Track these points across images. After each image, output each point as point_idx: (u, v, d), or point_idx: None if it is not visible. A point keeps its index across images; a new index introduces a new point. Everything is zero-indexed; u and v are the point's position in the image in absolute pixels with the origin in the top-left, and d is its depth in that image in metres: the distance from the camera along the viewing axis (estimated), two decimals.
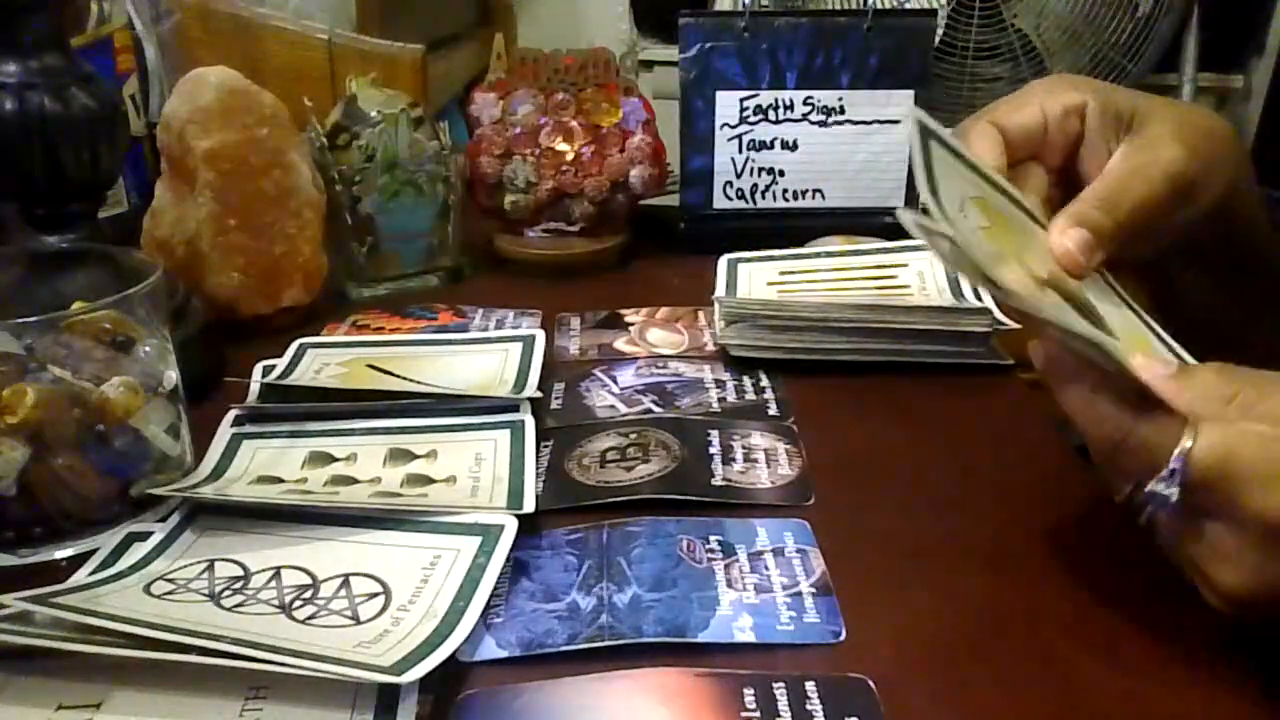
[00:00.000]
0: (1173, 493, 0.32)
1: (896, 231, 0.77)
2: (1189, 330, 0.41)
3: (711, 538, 0.43)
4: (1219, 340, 0.39)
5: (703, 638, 0.37)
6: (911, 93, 0.79)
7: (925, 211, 0.35)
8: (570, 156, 0.76)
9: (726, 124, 0.80)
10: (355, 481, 0.47)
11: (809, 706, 0.34)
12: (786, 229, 0.77)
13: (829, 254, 0.69)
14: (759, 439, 0.51)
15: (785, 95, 0.79)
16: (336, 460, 0.49)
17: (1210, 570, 0.33)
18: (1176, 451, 0.32)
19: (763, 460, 0.49)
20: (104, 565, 0.41)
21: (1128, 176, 0.40)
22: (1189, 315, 0.45)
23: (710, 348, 0.63)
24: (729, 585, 0.40)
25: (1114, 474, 0.36)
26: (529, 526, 0.43)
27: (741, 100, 0.79)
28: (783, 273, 0.67)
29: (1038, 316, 0.34)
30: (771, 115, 0.80)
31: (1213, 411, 0.33)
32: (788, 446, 0.51)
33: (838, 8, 1.65)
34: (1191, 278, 0.47)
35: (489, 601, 0.38)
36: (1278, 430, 0.32)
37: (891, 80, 0.79)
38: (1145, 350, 0.38)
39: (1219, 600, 0.34)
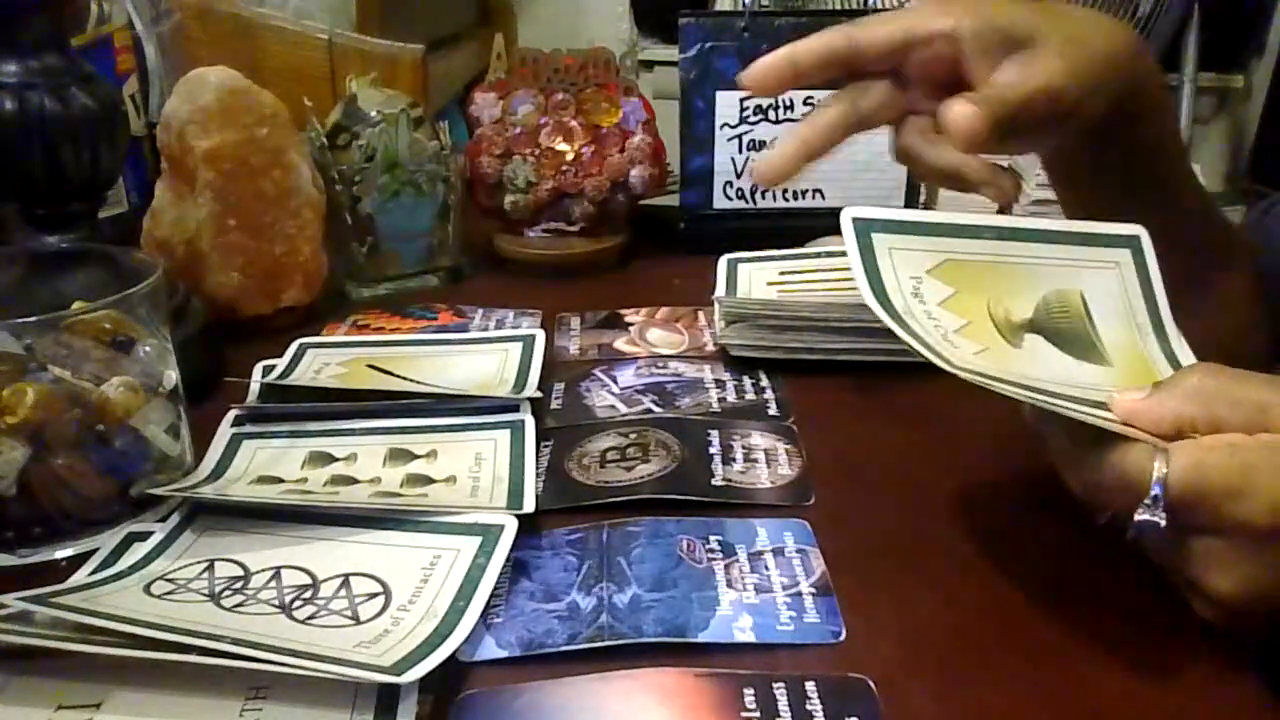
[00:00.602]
0: (1160, 518, 0.33)
1: None
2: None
3: (711, 538, 0.43)
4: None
5: (703, 638, 0.37)
6: None
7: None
8: (570, 156, 0.76)
9: (726, 124, 0.80)
10: (355, 481, 0.47)
11: (809, 706, 0.34)
12: (786, 229, 0.77)
13: (829, 254, 0.69)
14: (759, 439, 0.51)
15: (785, 95, 0.79)
16: (336, 460, 0.49)
17: (1206, 580, 0.34)
18: (1154, 478, 0.33)
19: (763, 460, 0.49)
20: (104, 565, 0.41)
21: (1003, 86, 0.42)
22: (1100, 208, 0.46)
23: (710, 348, 0.63)
24: (729, 585, 0.40)
25: (1096, 507, 0.38)
26: (529, 526, 0.43)
27: (741, 100, 0.79)
28: (783, 273, 0.67)
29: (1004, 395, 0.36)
30: (771, 115, 0.80)
31: (1206, 409, 0.34)
32: (788, 446, 0.51)
33: (838, 8, 1.65)
34: (1101, 175, 0.49)
35: (489, 601, 0.38)
36: (1247, 437, 0.33)
37: None
38: (1136, 361, 0.39)
39: (1215, 611, 0.35)
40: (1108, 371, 0.40)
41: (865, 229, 0.40)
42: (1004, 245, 0.42)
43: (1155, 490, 0.33)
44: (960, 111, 0.40)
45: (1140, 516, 0.33)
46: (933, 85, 0.44)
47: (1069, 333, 0.41)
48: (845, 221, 0.40)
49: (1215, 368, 0.36)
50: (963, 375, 0.36)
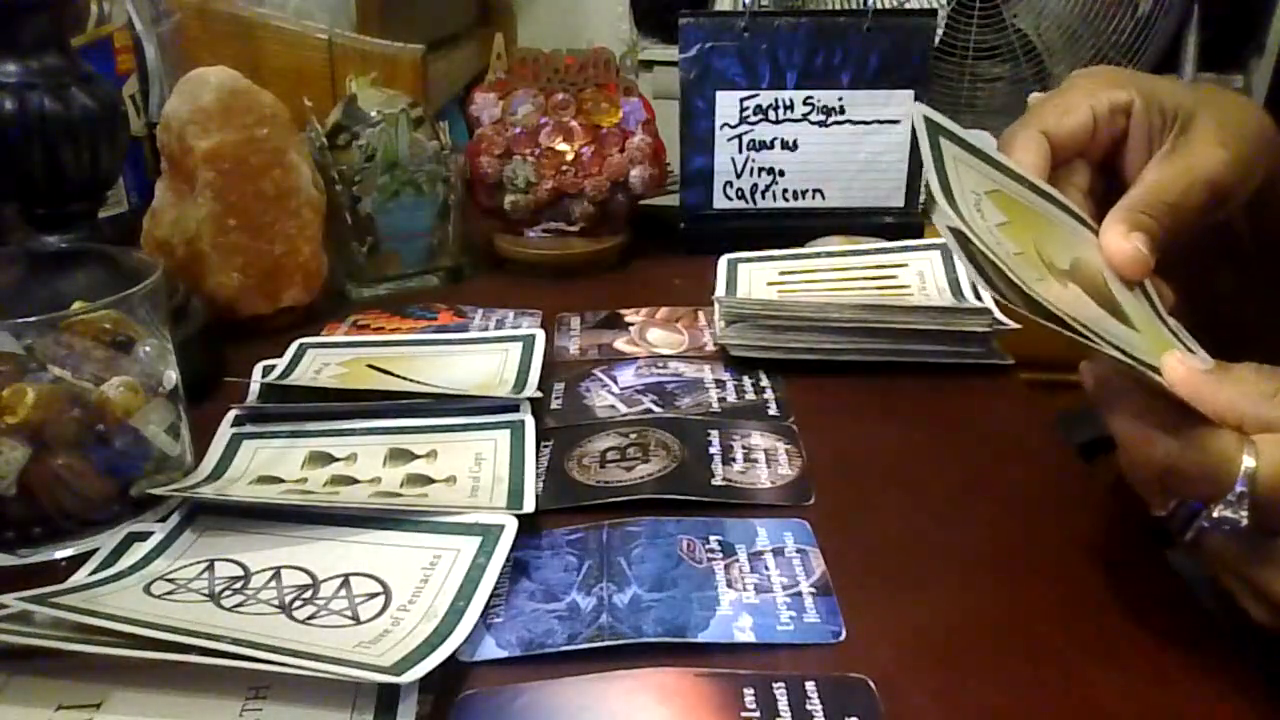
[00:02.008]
0: (1242, 516, 0.31)
1: (897, 231, 0.78)
2: (1218, 329, 0.40)
3: (711, 538, 0.43)
4: (1246, 339, 0.38)
5: (703, 638, 0.37)
6: (911, 92, 0.79)
7: (926, 211, 0.34)
8: (570, 156, 0.76)
9: (726, 124, 0.80)
10: (355, 481, 0.47)
11: (809, 706, 0.34)
12: (786, 229, 0.77)
13: (829, 254, 0.69)
14: (759, 439, 0.51)
15: (785, 95, 0.79)
16: (336, 460, 0.49)
17: (1277, 586, 0.32)
18: (1240, 474, 0.31)
19: (763, 460, 0.49)
20: (104, 565, 0.41)
21: (1170, 180, 0.39)
22: (1218, 313, 0.44)
23: (710, 348, 0.63)
24: (729, 585, 0.40)
25: (1154, 492, 0.35)
26: (529, 526, 0.43)
27: (741, 100, 0.79)
28: (783, 273, 0.67)
29: (1069, 332, 0.33)
30: (771, 115, 0.80)
31: (1256, 409, 0.32)
32: (788, 446, 0.51)
33: (838, 8, 1.65)
34: (1220, 274, 0.46)
35: (489, 601, 0.38)
36: None
37: (891, 80, 0.79)
38: (1158, 335, 0.37)
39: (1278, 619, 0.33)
40: (1140, 337, 0.37)
41: (935, 132, 0.38)
42: (1041, 202, 0.41)
43: (1241, 486, 0.31)
44: (1120, 251, 0.38)
45: (1220, 512, 0.31)
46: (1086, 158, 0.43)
47: (1103, 292, 0.39)
48: (918, 118, 0.38)
49: (1268, 369, 0.34)
50: (1040, 299, 0.33)
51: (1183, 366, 0.33)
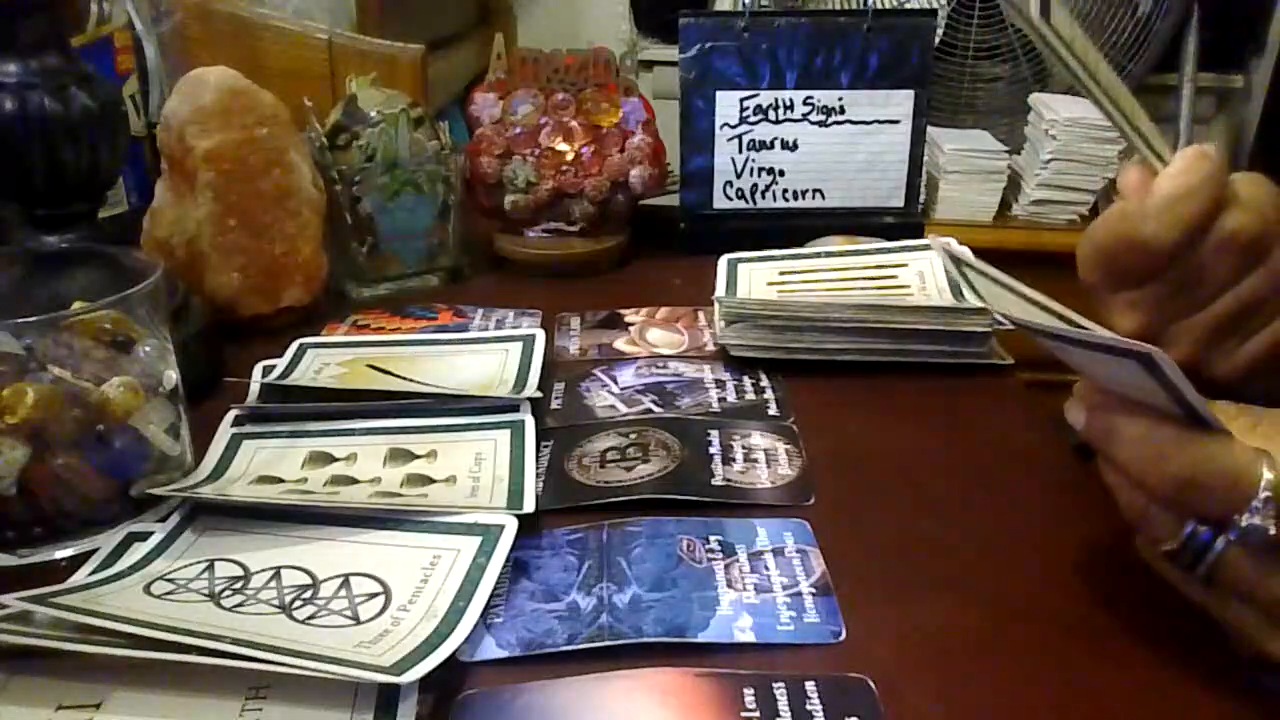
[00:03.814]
0: (1270, 523, 0.30)
1: (897, 231, 0.78)
2: None
3: (711, 538, 0.43)
4: None
5: (703, 638, 0.37)
6: (911, 93, 0.79)
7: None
8: (570, 156, 0.76)
9: (726, 124, 0.80)
10: (355, 481, 0.47)
11: (809, 706, 0.34)
12: (786, 229, 0.77)
13: (829, 254, 0.69)
14: (759, 439, 0.51)
15: (785, 95, 0.79)
16: (336, 460, 0.49)
17: None
18: (1262, 482, 0.30)
19: (763, 460, 0.49)
20: (104, 565, 0.41)
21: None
22: None
23: (710, 348, 0.63)
24: (729, 585, 0.40)
25: (1162, 524, 0.34)
26: (529, 526, 0.43)
27: (741, 100, 0.79)
28: (783, 273, 0.67)
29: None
30: (771, 115, 0.80)
31: (1242, 440, 0.31)
32: (788, 446, 0.51)
33: (838, 8, 1.65)
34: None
35: (489, 601, 0.38)
36: None
37: (891, 80, 0.79)
38: None
39: None
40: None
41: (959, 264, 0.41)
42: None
43: (1265, 492, 0.30)
44: None
45: (1249, 520, 0.30)
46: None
47: None
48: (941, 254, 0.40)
49: (1246, 405, 0.33)
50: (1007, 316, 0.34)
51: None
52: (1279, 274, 0.38)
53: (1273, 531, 0.30)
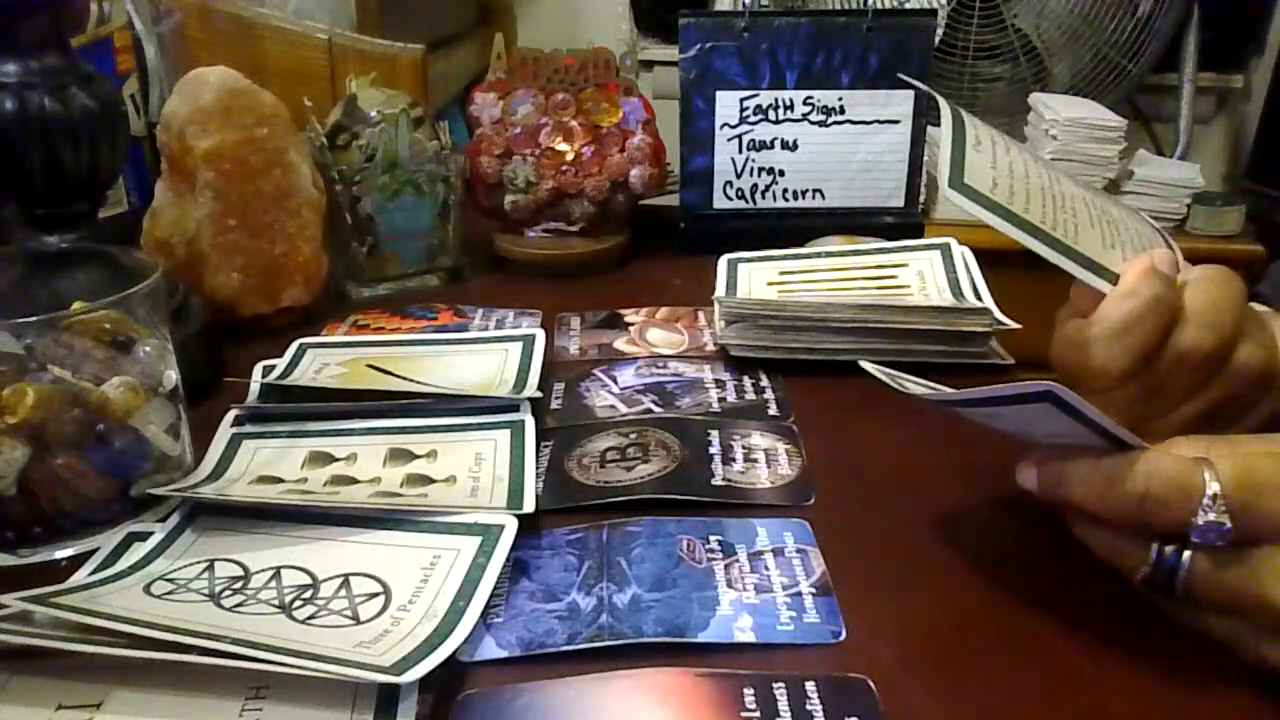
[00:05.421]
0: (1224, 518, 0.31)
1: (897, 231, 0.78)
2: None
3: (711, 538, 0.43)
4: None
5: (703, 638, 0.37)
6: (911, 93, 0.79)
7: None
8: (570, 156, 0.76)
9: (726, 124, 0.80)
10: (355, 481, 0.47)
11: (809, 706, 0.34)
12: (786, 229, 0.77)
13: (829, 254, 0.69)
14: (759, 439, 0.51)
15: (785, 95, 0.79)
16: (336, 460, 0.49)
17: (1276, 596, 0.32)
18: (1207, 480, 0.32)
19: (763, 460, 0.49)
20: (104, 565, 0.41)
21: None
22: None
23: (710, 348, 0.63)
24: (729, 585, 0.40)
25: (1130, 551, 0.35)
26: (529, 526, 0.43)
27: (741, 100, 0.79)
28: (783, 273, 0.67)
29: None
30: (771, 115, 0.80)
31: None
32: (788, 446, 0.51)
33: (838, 8, 1.65)
34: None
35: (489, 601, 0.38)
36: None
37: (891, 80, 0.79)
38: None
39: None
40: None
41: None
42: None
43: (1212, 488, 0.31)
44: None
45: (1204, 518, 0.32)
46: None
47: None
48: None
49: (1194, 435, 0.35)
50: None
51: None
52: (1244, 374, 0.39)
53: (1228, 525, 0.31)
